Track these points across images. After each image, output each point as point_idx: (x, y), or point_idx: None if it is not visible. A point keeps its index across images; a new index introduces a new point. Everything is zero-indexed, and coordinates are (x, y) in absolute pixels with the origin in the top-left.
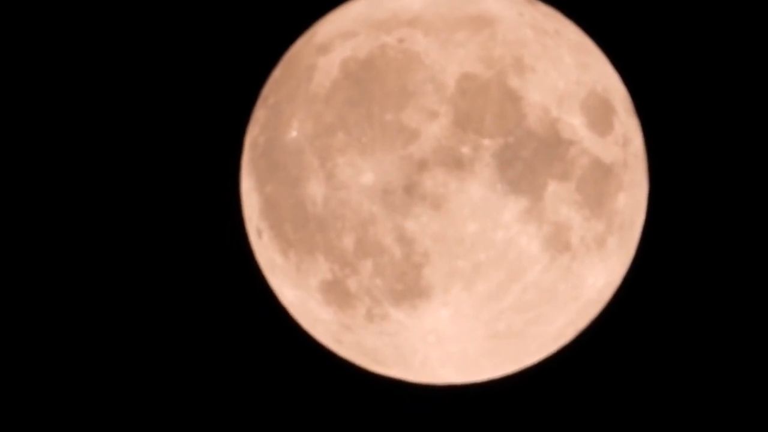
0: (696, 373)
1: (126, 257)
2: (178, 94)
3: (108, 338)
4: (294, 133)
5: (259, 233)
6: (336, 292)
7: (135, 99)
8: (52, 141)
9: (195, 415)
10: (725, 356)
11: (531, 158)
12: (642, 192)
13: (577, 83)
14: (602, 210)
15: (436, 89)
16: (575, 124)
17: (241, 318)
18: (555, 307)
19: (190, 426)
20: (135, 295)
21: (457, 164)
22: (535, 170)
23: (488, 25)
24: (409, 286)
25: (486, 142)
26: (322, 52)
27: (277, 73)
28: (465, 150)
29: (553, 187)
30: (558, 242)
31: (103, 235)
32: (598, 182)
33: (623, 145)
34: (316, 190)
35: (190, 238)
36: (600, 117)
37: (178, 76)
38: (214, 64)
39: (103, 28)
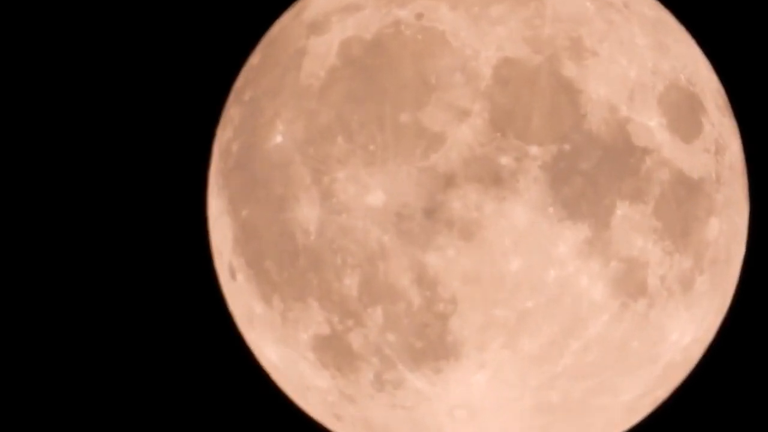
0: None
1: (57, 297)
2: (126, 86)
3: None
4: (279, 139)
5: (233, 272)
6: (334, 351)
7: (73, 92)
8: None
9: None
10: None
11: (593, 172)
12: (741, 216)
13: (654, 72)
14: (689, 240)
15: (468, 80)
16: (651, 126)
17: (207, 384)
18: (626, 372)
19: None
20: (69, 359)
21: (495, 180)
22: (599, 188)
23: None
24: (431, 343)
25: (533, 150)
26: (314, 31)
27: (255, 59)
28: (505, 161)
29: (622, 211)
30: (630, 284)
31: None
32: (682, 203)
33: (715, 154)
34: (308, 214)
35: (139, 278)
36: (684, 117)
37: (128, 62)
38: (175, 46)
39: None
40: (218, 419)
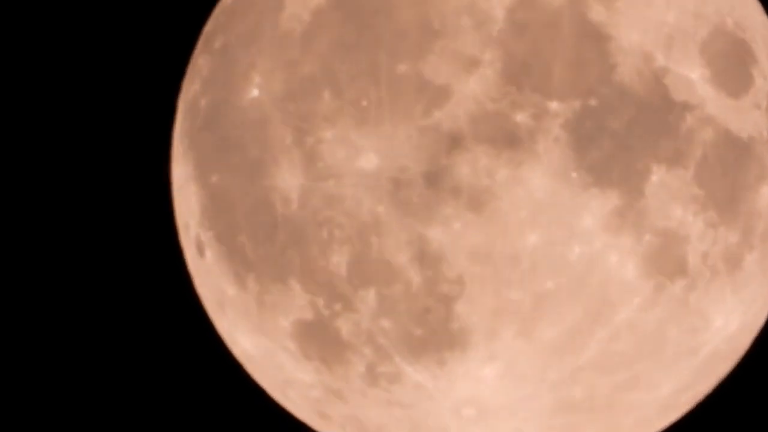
0: None
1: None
2: (77, 35)
3: None
4: (255, 93)
5: (200, 248)
6: (320, 340)
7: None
8: None
9: None
10: None
11: (624, 131)
12: None
13: (696, 15)
14: (736, 211)
15: (477, 24)
16: (693, 78)
17: (172, 377)
18: (662, 364)
19: None
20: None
21: (509, 141)
22: (631, 150)
23: None
24: (433, 331)
25: (554, 106)
26: None
27: (227, 0)
28: (521, 118)
29: (659, 176)
30: (667, 262)
31: None
32: (729, 168)
33: None
34: (288, 181)
35: (93, 256)
36: (732, 67)
37: (80, 7)
38: None
39: None
40: (186, 417)
